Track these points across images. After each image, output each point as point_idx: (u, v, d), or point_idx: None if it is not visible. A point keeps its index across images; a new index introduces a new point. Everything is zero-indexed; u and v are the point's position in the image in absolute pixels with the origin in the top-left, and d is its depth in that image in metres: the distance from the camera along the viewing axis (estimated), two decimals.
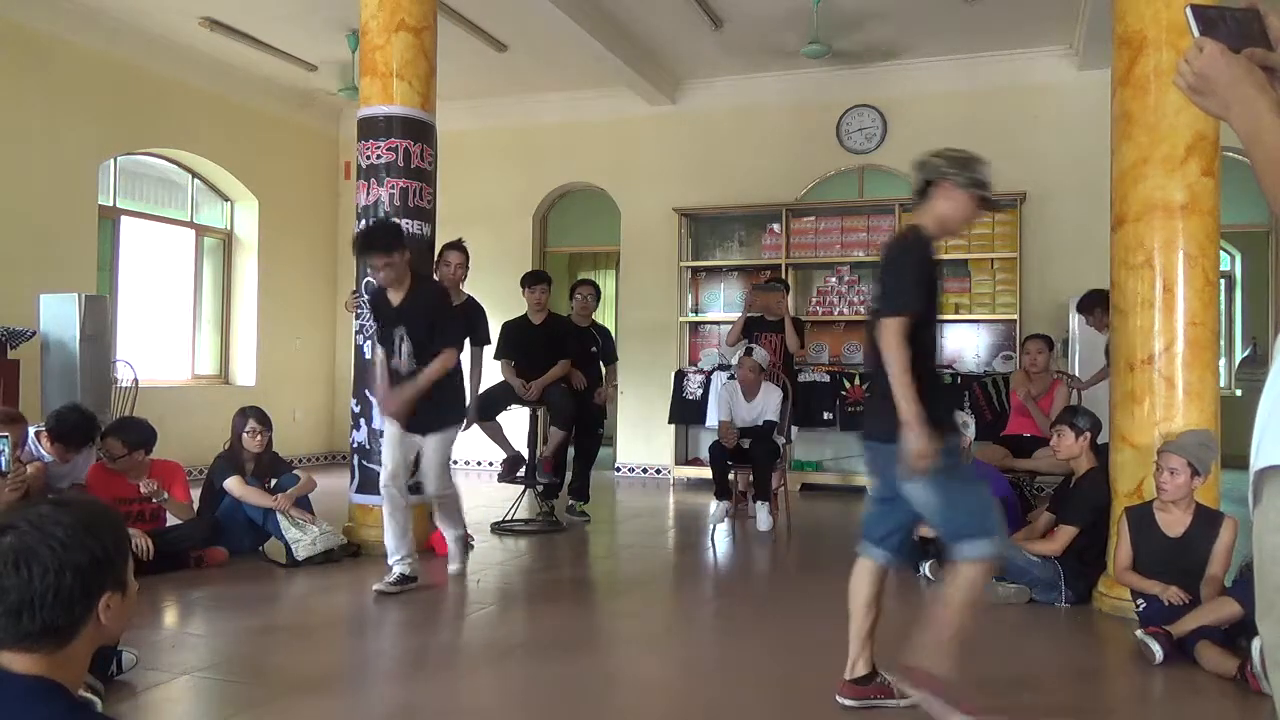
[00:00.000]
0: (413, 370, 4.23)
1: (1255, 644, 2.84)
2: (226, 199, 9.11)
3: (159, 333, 8.44)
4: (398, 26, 5.17)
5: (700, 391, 8.06)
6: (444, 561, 4.78)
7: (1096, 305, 5.79)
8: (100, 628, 1.39)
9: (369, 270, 4.27)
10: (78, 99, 7.28)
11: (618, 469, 9.07)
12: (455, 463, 6.04)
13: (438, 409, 4.29)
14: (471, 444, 6.46)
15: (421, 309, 4.25)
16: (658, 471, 8.84)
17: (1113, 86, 4.11)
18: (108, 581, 1.38)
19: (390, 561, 4.28)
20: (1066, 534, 4.14)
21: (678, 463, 8.44)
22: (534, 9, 6.77)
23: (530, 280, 6.27)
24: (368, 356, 5.18)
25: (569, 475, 6.29)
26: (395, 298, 4.25)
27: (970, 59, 8.05)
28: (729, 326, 7.41)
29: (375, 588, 4.17)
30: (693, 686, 3.18)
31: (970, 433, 4.91)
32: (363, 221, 5.23)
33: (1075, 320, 7.43)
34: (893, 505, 2.80)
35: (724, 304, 8.78)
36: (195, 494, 5.04)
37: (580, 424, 6.20)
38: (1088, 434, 4.38)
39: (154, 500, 4.64)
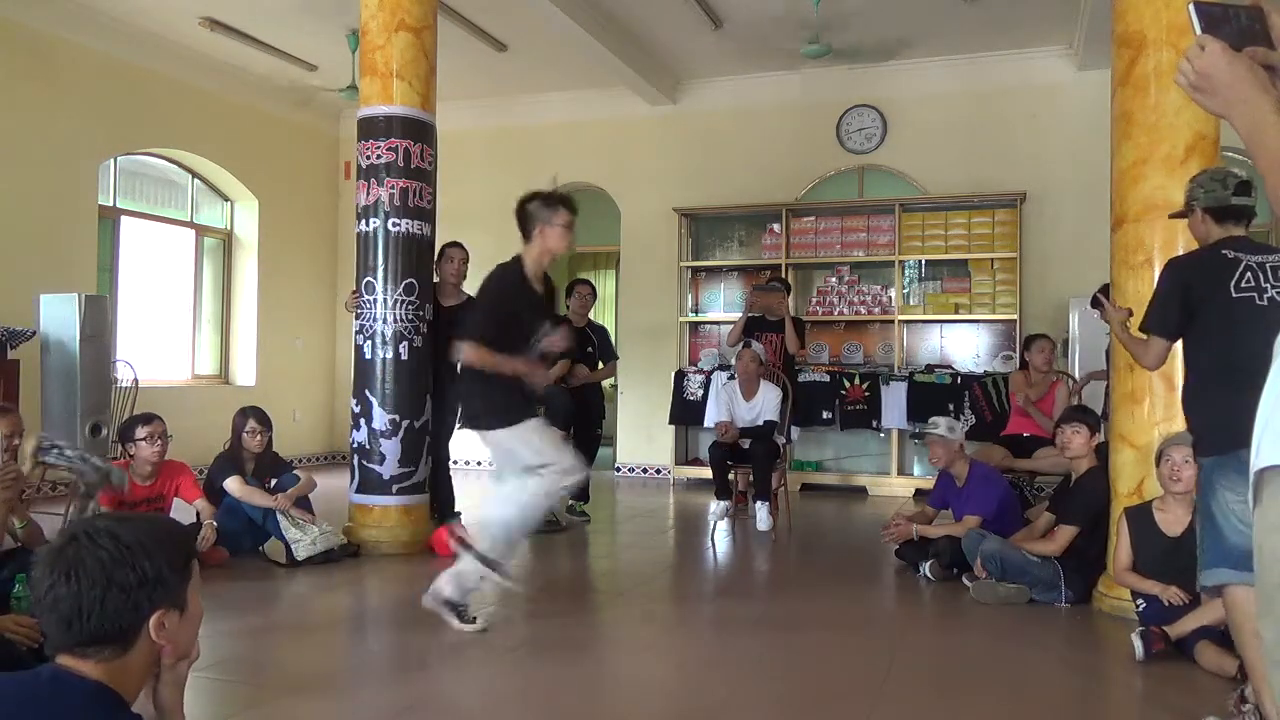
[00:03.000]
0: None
1: None
2: (226, 199, 9.11)
3: (159, 333, 8.44)
4: (398, 26, 5.17)
5: (700, 392, 8.07)
6: (446, 561, 4.77)
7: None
8: (155, 645, 1.43)
9: (554, 233, 3.82)
10: (78, 99, 7.28)
11: (618, 469, 9.07)
12: (455, 463, 6.07)
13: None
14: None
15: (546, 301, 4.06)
16: (658, 471, 8.84)
17: (1113, 86, 4.11)
18: (158, 600, 1.41)
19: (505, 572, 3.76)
20: (1066, 534, 4.14)
21: (678, 463, 8.44)
22: (534, 9, 6.77)
23: None
24: (368, 356, 5.18)
25: None
26: (539, 286, 3.92)
27: (970, 59, 8.05)
28: (729, 326, 7.41)
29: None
30: (693, 686, 3.18)
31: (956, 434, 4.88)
32: (365, 223, 5.23)
33: (1075, 320, 7.43)
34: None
35: (724, 304, 8.78)
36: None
37: (579, 424, 6.19)
38: (1098, 433, 4.38)
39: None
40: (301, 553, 4.71)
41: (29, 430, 3.66)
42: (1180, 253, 3.87)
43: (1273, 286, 2.73)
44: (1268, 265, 2.77)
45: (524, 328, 3.85)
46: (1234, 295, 2.74)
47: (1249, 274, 2.75)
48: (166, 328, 8.53)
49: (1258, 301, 2.71)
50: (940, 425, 4.86)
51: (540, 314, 3.92)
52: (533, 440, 3.80)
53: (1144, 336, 3.00)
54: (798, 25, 7.24)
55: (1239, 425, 2.65)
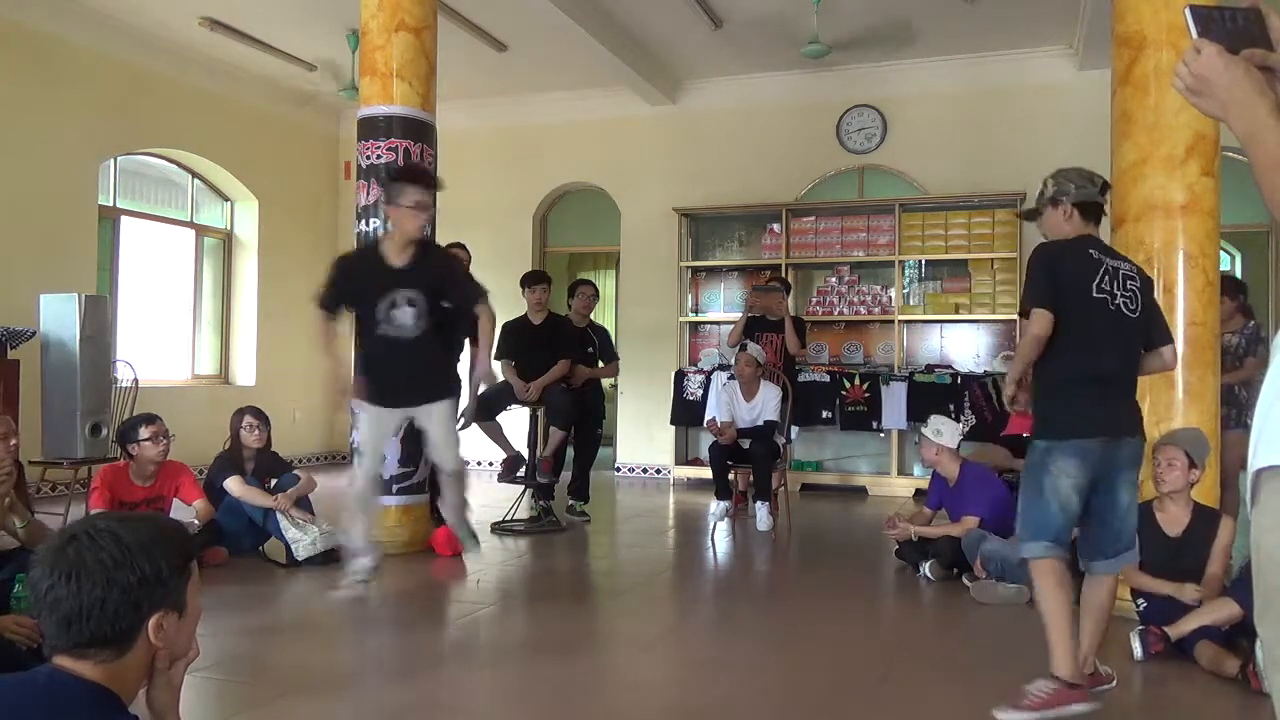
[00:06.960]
0: (420, 335, 3.97)
1: (1259, 644, 2.84)
2: (226, 199, 9.11)
3: (159, 333, 8.44)
4: (398, 26, 5.17)
5: (700, 392, 8.06)
6: (446, 561, 4.79)
7: None
8: (153, 646, 1.42)
9: (398, 212, 3.96)
10: (78, 99, 7.28)
11: (618, 469, 9.07)
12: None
13: (443, 373, 4.22)
14: (472, 444, 6.46)
15: (435, 272, 4.07)
16: (658, 471, 8.84)
17: (1113, 86, 4.11)
18: (158, 602, 1.40)
19: (358, 561, 4.15)
20: None
21: (678, 463, 8.44)
22: (534, 9, 6.77)
23: (530, 280, 6.27)
24: None
25: (566, 475, 6.29)
26: (399, 259, 3.97)
27: (970, 59, 8.05)
28: (729, 326, 7.40)
29: (347, 586, 4.09)
30: (693, 686, 3.18)
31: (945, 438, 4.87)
32: (365, 223, 5.24)
33: None
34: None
35: (724, 304, 8.78)
36: None
37: (580, 424, 6.19)
38: None
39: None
40: (301, 553, 4.71)
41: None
42: (1181, 252, 3.90)
43: (1121, 294, 2.88)
44: (1120, 272, 2.91)
45: (369, 296, 3.96)
46: (1094, 295, 2.85)
47: (1106, 277, 2.88)
48: (166, 328, 8.54)
49: (1109, 306, 2.85)
50: (931, 425, 4.88)
51: (389, 285, 3.94)
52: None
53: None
54: (798, 25, 7.24)
55: (1082, 417, 2.82)
